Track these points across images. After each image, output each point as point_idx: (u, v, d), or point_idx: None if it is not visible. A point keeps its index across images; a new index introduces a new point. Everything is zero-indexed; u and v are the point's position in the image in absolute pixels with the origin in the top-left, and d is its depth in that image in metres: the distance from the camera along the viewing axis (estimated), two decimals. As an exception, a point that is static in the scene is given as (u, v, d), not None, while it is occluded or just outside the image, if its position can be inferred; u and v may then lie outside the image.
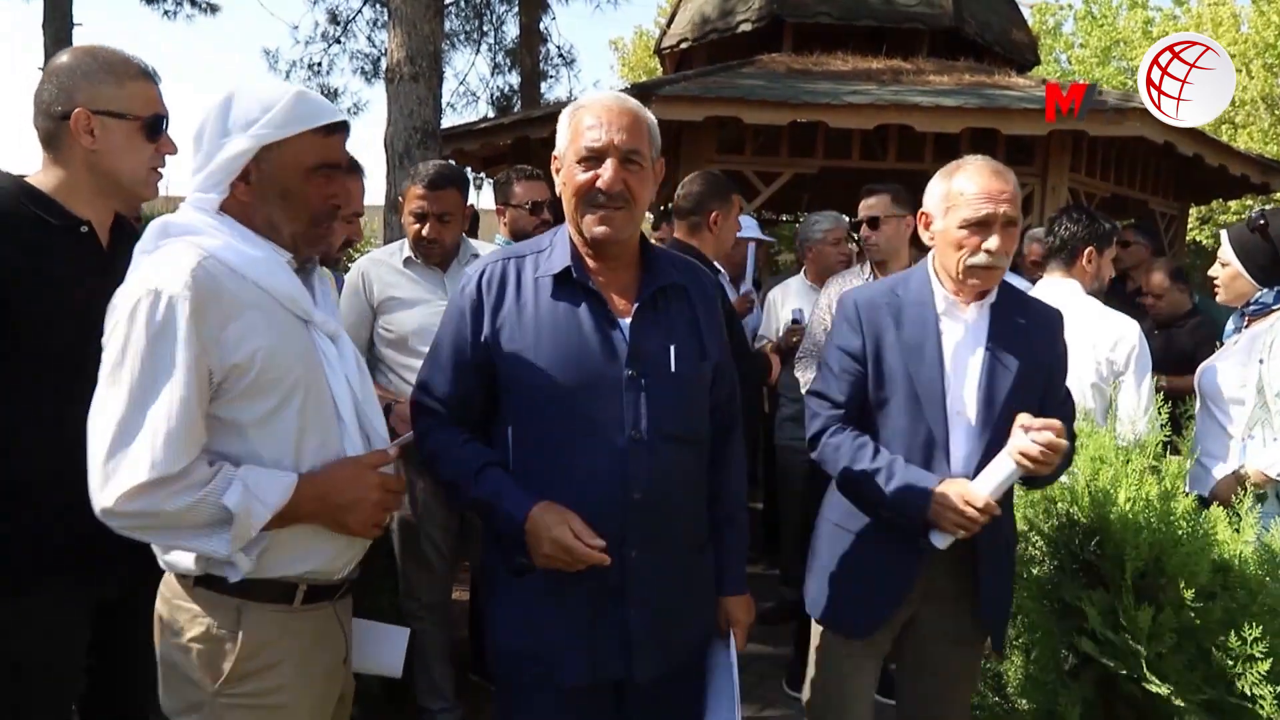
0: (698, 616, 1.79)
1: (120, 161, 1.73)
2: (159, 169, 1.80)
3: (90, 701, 1.90)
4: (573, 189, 1.66)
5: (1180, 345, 4.24)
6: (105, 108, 1.70)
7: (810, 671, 2.28)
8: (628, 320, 1.69)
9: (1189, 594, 1.91)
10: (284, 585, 1.51)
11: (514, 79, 12.68)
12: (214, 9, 12.02)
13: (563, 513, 1.58)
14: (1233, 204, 14.51)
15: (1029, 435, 1.79)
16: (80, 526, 1.44)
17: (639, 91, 5.65)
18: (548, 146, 1.91)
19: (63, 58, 1.73)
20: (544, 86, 12.19)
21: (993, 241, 1.91)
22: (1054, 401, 2.02)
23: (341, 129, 1.55)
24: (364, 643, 1.84)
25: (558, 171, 1.72)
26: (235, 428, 1.44)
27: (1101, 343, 2.85)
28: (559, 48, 12.96)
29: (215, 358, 1.39)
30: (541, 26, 11.64)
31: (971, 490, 1.85)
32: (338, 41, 12.24)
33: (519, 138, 6.65)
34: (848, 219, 4.64)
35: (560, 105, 5.63)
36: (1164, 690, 1.85)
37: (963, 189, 1.95)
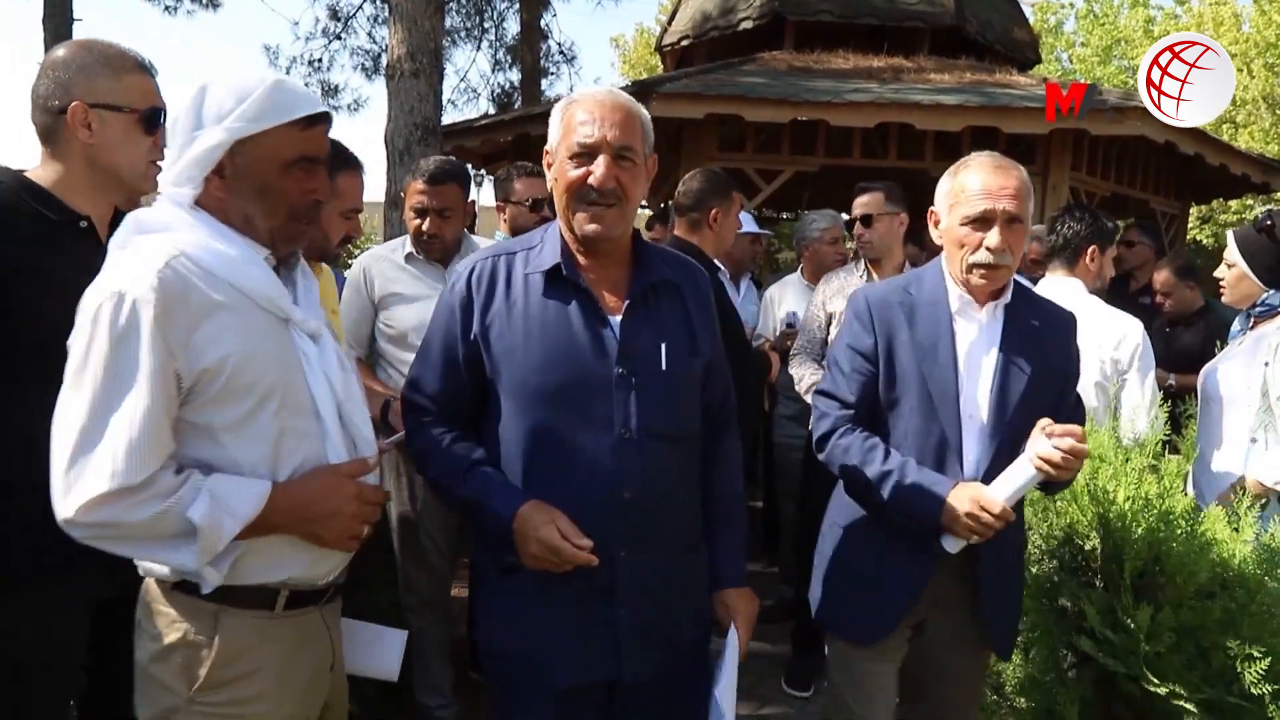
0: (690, 617, 1.77)
1: (118, 155, 1.72)
2: (157, 162, 1.79)
3: (90, 701, 1.89)
4: (564, 185, 1.64)
5: (1189, 343, 4.23)
6: (102, 101, 1.69)
7: (827, 681, 2.23)
8: (618, 318, 1.67)
9: (1188, 593, 1.91)
10: (265, 591, 1.46)
11: (515, 76, 12.69)
12: (215, 4, 11.99)
13: (550, 512, 1.57)
14: (1233, 204, 14.52)
15: (1051, 441, 1.75)
16: None
17: (640, 89, 5.64)
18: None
19: (59, 52, 1.73)
20: (545, 83, 12.20)
21: (993, 238, 1.87)
22: (1065, 406, 1.98)
23: (322, 120, 1.48)
24: (359, 645, 1.81)
25: (549, 166, 1.70)
26: (208, 432, 1.39)
27: (1106, 342, 2.84)
28: (560, 44, 12.96)
29: (183, 362, 1.34)
30: (542, 23, 11.64)
31: (988, 495, 1.81)
32: (338, 37, 12.24)
33: (519, 134, 6.65)
34: (846, 217, 4.64)
35: (561, 102, 5.61)
36: (1163, 690, 1.85)
37: (965, 185, 1.93)
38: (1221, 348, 2.93)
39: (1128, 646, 1.92)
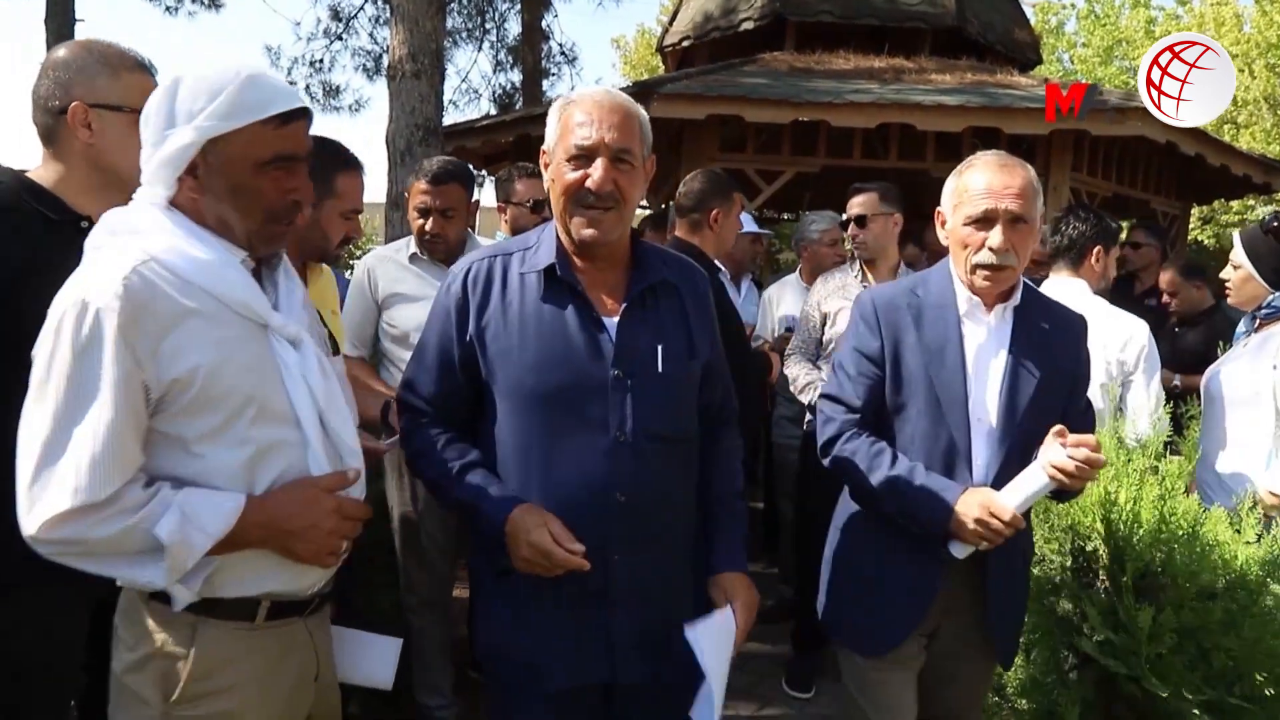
0: (685, 620, 1.72)
1: (118, 155, 1.72)
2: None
3: (90, 700, 1.89)
4: (561, 187, 1.62)
5: (1194, 343, 4.21)
6: (102, 100, 1.69)
7: (845, 693, 2.17)
8: (615, 320, 1.66)
9: (1190, 594, 1.91)
10: (245, 602, 1.41)
11: (516, 76, 12.70)
12: (216, 4, 11.99)
13: (543, 516, 1.55)
14: (1235, 204, 14.50)
15: (1066, 450, 1.70)
16: None
17: (640, 89, 5.64)
18: (549, 145, 1.90)
19: (59, 52, 1.73)
20: (546, 84, 12.21)
21: (995, 238, 1.84)
22: (1075, 411, 1.95)
23: (300, 116, 1.41)
24: (351, 653, 1.77)
25: (546, 167, 1.68)
26: (181, 443, 1.34)
27: (1112, 342, 2.83)
28: (561, 45, 12.98)
29: (151, 372, 1.28)
30: (543, 24, 11.66)
31: (998, 502, 1.77)
32: (340, 38, 12.24)
33: (520, 135, 6.64)
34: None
35: (562, 103, 5.59)
36: (1164, 690, 1.85)
37: (968, 185, 1.90)
38: (1225, 348, 2.92)
39: (1129, 647, 1.92)
